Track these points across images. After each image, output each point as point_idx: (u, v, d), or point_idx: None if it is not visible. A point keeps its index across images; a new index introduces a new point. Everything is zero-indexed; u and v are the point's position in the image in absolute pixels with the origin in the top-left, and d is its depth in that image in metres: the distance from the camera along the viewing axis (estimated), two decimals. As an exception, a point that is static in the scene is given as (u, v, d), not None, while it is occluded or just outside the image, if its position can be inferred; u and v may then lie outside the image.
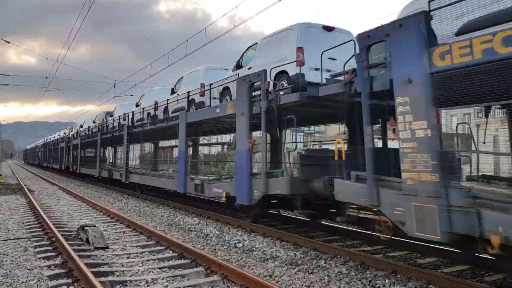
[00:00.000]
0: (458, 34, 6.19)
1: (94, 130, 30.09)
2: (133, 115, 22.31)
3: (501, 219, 5.22)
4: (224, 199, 12.08)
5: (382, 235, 7.12)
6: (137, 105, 22.67)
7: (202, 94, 14.71)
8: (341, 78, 8.25)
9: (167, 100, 17.90)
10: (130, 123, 22.32)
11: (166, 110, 17.94)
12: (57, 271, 6.66)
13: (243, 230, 10.63)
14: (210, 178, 13.87)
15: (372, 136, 7.28)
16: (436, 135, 6.00)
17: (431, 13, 6.32)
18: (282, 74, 10.50)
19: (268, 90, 10.17)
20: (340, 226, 10.59)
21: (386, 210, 6.67)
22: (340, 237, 9.77)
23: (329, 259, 7.70)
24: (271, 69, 10.44)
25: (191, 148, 20.64)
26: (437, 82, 6.05)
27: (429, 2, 6.38)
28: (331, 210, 10.04)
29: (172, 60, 20.36)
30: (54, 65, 28.70)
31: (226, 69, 14.59)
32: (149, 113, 19.90)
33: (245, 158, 10.87)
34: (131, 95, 28.76)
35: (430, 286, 6.07)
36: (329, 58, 9.28)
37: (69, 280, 6.14)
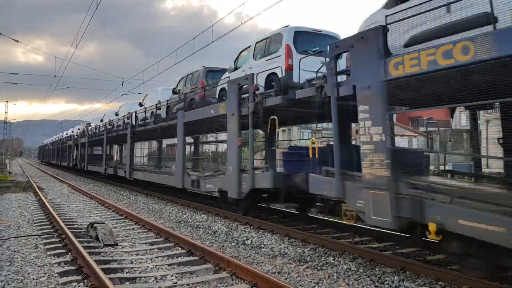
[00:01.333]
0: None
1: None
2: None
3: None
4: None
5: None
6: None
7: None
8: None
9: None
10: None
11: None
12: (67, 268, 6.71)
13: (251, 227, 10.64)
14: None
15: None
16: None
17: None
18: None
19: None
20: (348, 224, 10.50)
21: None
22: (349, 234, 9.76)
23: (337, 256, 7.70)
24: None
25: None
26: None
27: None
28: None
29: (179, 57, 20.45)
30: (62, 64, 28.91)
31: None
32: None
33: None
34: (139, 93, 28.90)
35: (440, 283, 6.05)
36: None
37: (79, 277, 6.19)
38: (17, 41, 25.74)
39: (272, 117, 10.60)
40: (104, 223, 9.78)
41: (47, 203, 13.79)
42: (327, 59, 8.54)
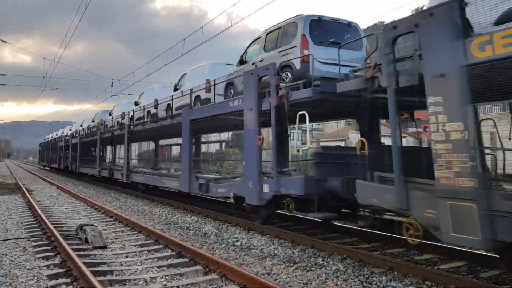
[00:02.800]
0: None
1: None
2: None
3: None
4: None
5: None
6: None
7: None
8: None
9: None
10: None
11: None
12: (56, 270, 6.69)
13: (241, 228, 10.67)
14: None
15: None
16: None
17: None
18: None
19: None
20: (338, 224, 10.62)
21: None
22: (338, 235, 9.82)
23: (326, 256, 7.75)
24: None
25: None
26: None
27: None
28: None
29: (169, 58, 20.43)
30: (51, 65, 28.68)
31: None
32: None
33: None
34: (129, 94, 28.79)
35: (427, 283, 6.13)
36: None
37: (68, 280, 6.18)
38: (5, 42, 25.44)
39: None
40: (93, 225, 9.75)
41: (35, 205, 13.69)
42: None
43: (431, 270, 6.50)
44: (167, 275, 6.51)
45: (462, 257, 7.50)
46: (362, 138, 8.00)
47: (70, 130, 40.70)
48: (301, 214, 11.24)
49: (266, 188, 9.95)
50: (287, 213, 8.99)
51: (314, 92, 8.94)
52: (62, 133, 43.65)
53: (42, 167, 58.98)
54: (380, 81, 7.00)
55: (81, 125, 35.86)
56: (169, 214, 13.29)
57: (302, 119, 9.09)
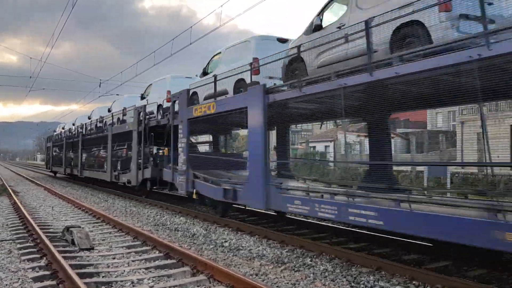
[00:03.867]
0: None
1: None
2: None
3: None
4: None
5: None
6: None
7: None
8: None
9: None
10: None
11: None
12: (41, 273, 6.60)
13: (230, 229, 10.64)
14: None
15: None
16: None
17: None
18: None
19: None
20: (327, 224, 10.62)
21: None
22: (327, 235, 9.83)
23: (315, 257, 7.76)
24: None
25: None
26: None
27: None
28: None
29: (158, 58, 20.33)
30: (38, 64, 28.38)
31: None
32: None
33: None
34: (117, 94, 28.56)
35: (414, 282, 6.16)
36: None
37: (54, 282, 6.10)
38: (-9, 42, 25.09)
39: None
40: (80, 226, 9.64)
41: (22, 207, 13.51)
42: None
43: (418, 270, 6.53)
44: (154, 277, 6.46)
45: (449, 257, 7.54)
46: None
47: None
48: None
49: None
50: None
51: None
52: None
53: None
54: None
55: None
56: (157, 215, 13.21)
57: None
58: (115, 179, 20.15)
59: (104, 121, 23.89)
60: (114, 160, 20.84)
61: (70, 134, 31.91)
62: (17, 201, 15.54)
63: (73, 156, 29.59)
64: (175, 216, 12.91)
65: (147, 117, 17.83)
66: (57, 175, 37.21)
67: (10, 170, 57.92)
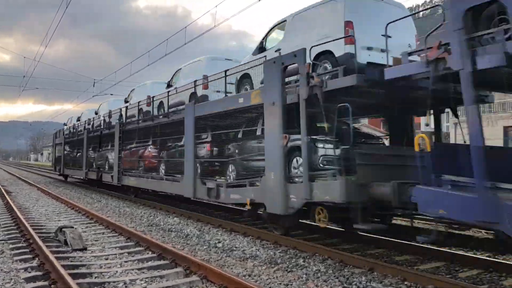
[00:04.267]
0: None
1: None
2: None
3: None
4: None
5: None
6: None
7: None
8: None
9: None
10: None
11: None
12: (34, 273, 6.57)
13: (224, 229, 10.64)
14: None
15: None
16: None
17: None
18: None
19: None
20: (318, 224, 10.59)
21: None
22: (320, 235, 9.86)
23: (308, 257, 7.78)
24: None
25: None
26: None
27: None
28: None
29: (152, 58, 20.34)
30: (32, 64, 28.27)
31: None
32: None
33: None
34: (111, 94, 28.50)
35: (406, 283, 6.19)
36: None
37: (46, 283, 6.07)
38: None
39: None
40: (73, 227, 9.61)
41: (14, 207, 13.45)
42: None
43: (410, 271, 6.57)
44: (147, 277, 6.45)
45: (441, 258, 7.60)
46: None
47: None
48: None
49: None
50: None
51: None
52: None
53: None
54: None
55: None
56: (151, 216, 13.18)
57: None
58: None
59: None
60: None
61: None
62: (9, 201, 15.47)
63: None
64: (169, 217, 12.90)
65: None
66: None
67: (2, 169, 57.44)
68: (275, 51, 10.04)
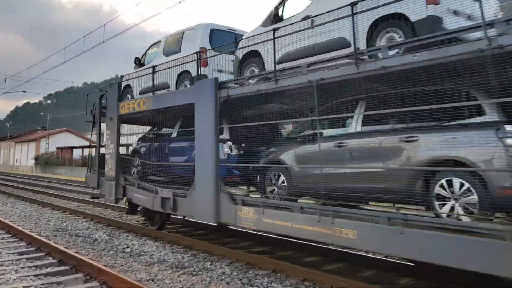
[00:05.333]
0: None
1: None
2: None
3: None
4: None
5: None
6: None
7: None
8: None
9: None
10: None
11: None
12: None
13: (135, 234, 10.36)
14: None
15: None
16: None
17: None
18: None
19: None
20: (236, 229, 10.66)
21: None
22: (234, 239, 9.90)
23: (216, 260, 7.78)
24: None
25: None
26: None
27: None
28: None
29: (69, 55, 19.47)
30: None
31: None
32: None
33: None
34: (24, 92, 26.83)
35: (305, 283, 6.39)
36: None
37: None
38: None
39: None
40: (-34, 232, 8.90)
41: None
42: None
43: (311, 271, 6.77)
44: (43, 284, 6.15)
45: (343, 259, 7.91)
46: None
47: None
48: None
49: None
50: None
51: None
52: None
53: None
54: None
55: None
56: (58, 220, 12.51)
57: None
58: None
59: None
60: None
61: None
62: None
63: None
64: (78, 221, 12.32)
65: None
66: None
67: None
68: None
